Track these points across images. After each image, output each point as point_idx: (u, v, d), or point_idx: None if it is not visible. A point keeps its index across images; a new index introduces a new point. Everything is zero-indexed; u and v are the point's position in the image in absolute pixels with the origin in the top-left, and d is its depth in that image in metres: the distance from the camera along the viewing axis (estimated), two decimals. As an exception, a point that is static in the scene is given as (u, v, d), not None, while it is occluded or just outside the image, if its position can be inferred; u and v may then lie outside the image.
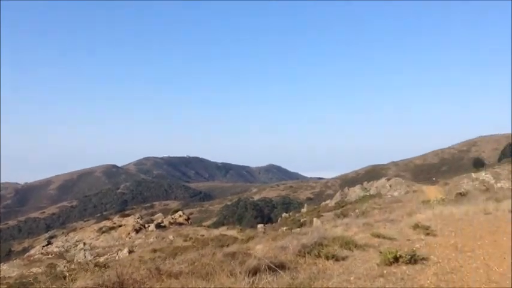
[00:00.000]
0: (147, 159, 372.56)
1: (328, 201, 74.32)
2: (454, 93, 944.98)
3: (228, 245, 25.66)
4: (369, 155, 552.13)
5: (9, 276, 28.18)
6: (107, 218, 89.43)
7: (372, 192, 67.81)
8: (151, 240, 34.08)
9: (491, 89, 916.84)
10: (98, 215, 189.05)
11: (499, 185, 49.92)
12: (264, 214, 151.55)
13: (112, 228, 38.10)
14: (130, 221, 39.93)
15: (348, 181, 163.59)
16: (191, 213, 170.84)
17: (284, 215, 72.00)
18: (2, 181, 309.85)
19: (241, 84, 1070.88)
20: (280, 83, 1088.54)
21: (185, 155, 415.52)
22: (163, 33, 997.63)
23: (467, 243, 10.23)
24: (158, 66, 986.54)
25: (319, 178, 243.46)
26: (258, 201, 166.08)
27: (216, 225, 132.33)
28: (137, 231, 37.05)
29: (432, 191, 53.98)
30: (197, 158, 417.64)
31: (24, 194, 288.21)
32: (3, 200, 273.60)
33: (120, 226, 38.52)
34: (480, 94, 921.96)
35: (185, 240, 33.03)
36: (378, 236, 10.60)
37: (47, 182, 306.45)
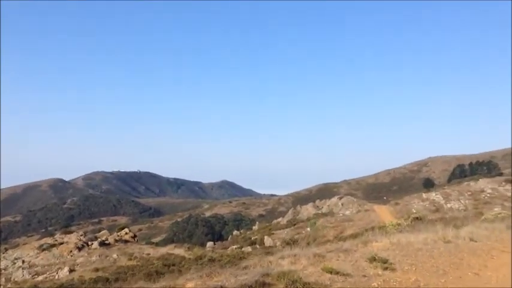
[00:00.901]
0: (96, 173, 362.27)
1: (280, 219, 74.51)
2: (407, 113, 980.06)
3: (161, 274, 25.05)
4: (322, 173, 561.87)
5: None
6: (51, 234, 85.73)
7: (324, 210, 68.62)
8: (94, 258, 32.76)
9: (443, 109, 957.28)
10: (43, 230, 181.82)
11: (448, 205, 51.55)
12: (215, 231, 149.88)
13: (53, 245, 36.37)
14: (73, 238, 38.31)
15: (301, 199, 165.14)
16: (140, 230, 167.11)
17: (235, 232, 71.60)
18: None
19: (197, 98, 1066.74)
20: (236, 100, 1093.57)
21: (136, 170, 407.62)
22: (107, 40, 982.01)
23: (430, 281, 9.38)
24: (110, 75, 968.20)
25: (272, 195, 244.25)
26: (210, 217, 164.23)
27: (165, 241, 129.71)
28: (80, 249, 35.55)
29: (383, 211, 55.17)
30: (148, 173, 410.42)
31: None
32: None
33: (61, 243, 36.85)
34: (432, 114, 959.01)
35: (129, 259, 32.00)
36: (330, 271, 9.29)
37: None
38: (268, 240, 50.31)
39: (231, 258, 25.88)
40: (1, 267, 32.86)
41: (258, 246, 50.58)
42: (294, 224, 60.04)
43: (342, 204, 67.62)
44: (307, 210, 71.59)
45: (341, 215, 59.31)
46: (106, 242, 39.28)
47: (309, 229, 50.28)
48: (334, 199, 73.53)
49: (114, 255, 33.51)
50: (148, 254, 34.02)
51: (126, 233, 44.50)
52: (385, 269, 10.04)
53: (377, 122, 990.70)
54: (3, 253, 37.03)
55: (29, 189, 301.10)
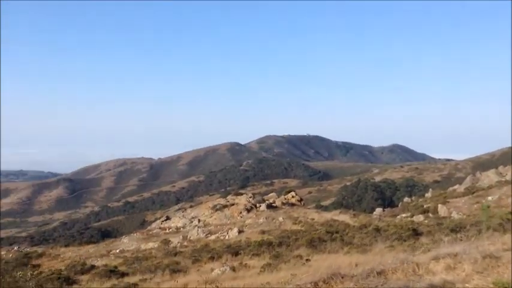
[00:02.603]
0: (268, 137, 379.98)
1: (456, 186, 68.27)
2: None
3: (323, 242, 24.22)
4: (507, 134, 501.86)
5: (127, 250, 29.83)
6: (229, 194, 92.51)
7: (508, 177, 60.78)
8: (261, 220, 33.86)
9: None
10: (223, 190, 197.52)
11: None
12: (386, 196, 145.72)
13: (225, 206, 38.74)
14: (243, 200, 40.24)
15: (481, 164, 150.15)
16: (310, 192, 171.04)
17: (406, 199, 67.74)
18: (138, 156, 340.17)
19: (368, 63, 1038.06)
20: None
21: (306, 134, 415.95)
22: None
23: None
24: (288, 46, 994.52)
25: (448, 160, 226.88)
26: (380, 182, 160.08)
27: (334, 205, 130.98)
28: (248, 210, 37.17)
29: None
30: (317, 136, 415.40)
31: (158, 169, 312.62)
32: (139, 174, 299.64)
33: (232, 205, 39.03)
34: None
35: (294, 223, 32.27)
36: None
37: (177, 158, 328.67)
38: (442, 209, 46.27)
39: (398, 229, 24.07)
40: (180, 225, 36.08)
41: (430, 215, 47.03)
42: (473, 192, 54.24)
43: (531, 171, 58.90)
44: (489, 177, 64.04)
45: (530, 183, 51.73)
46: (273, 204, 40.35)
47: (482, 218, 44.73)
48: (522, 165, 64.40)
49: (280, 218, 34.17)
50: (313, 219, 33.92)
51: (293, 197, 45.15)
52: None
53: None
54: (183, 212, 40.61)
55: (211, 152, 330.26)
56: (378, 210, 60.64)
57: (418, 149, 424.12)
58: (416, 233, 24.97)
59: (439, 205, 49.36)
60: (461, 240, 7.19)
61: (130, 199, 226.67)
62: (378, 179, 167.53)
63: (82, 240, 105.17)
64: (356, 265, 12.11)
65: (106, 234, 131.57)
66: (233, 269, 18.04)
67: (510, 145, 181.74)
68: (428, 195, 65.83)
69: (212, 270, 18.76)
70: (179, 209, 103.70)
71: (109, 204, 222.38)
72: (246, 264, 19.09)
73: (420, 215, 45.56)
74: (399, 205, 66.86)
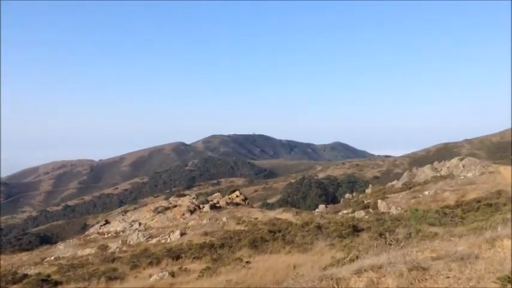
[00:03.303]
0: (214, 137, 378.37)
1: (394, 182, 70.65)
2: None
3: (266, 242, 24.13)
4: (440, 133, 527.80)
5: (62, 257, 28.46)
6: (175, 194, 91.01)
7: (443, 172, 63.55)
8: (205, 222, 33.35)
9: None
10: (168, 191, 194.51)
11: None
12: (329, 193, 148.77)
13: (167, 208, 37.86)
14: (186, 202, 39.53)
15: (418, 160, 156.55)
16: (256, 191, 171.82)
17: (347, 195, 69.36)
18: (79, 158, 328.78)
19: (307, 61, 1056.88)
20: (348, 60, 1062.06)
21: (251, 133, 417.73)
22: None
23: None
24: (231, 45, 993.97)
25: (387, 156, 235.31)
26: (323, 179, 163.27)
27: (280, 202, 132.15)
28: (191, 212, 36.53)
29: (510, 173, 49.38)
30: (263, 135, 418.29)
31: (99, 171, 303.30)
32: (79, 176, 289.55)
33: (175, 206, 38.22)
34: None
35: (238, 223, 32.01)
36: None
37: (120, 159, 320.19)
38: (382, 205, 47.65)
39: (338, 226, 24.34)
40: (119, 229, 34.89)
41: (371, 210, 48.31)
42: (410, 188, 56.29)
43: (463, 166, 61.86)
44: (424, 172, 66.79)
45: (462, 177, 54.28)
46: (217, 205, 39.91)
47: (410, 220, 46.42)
48: (455, 160, 67.53)
49: (224, 219, 33.80)
50: (256, 218, 33.80)
51: (237, 196, 44.95)
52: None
53: (502, 77, 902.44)
54: (123, 215, 39.36)
55: (155, 152, 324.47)
56: (321, 206, 61.68)
57: (359, 146, 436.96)
58: (356, 230, 25.39)
59: (379, 200, 50.77)
60: (390, 244, 6.77)
61: (70, 203, 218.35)
62: (321, 175, 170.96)
63: (20, 246, 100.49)
64: (294, 267, 11.99)
65: (45, 240, 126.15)
66: (172, 274, 17.49)
67: (444, 142, 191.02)
68: (368, 191, 67.74)
69: (150, 276, 18.13)
70: (122, 212, 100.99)
71: (48, 209, 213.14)
72: (186, 268, 18.55)
73: (361, 211, 46.66)
74: (341, 201, 68.35)
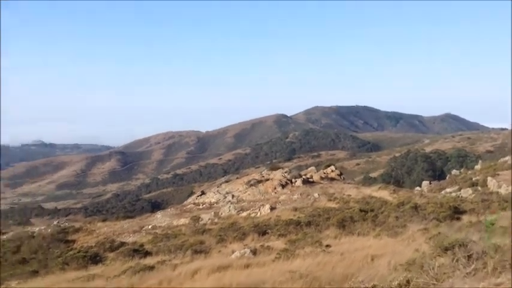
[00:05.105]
0: (315, 108, 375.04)
1: (507, 158, 64.33)
2: None
3: (355, 222, 22.72)
4: None
5: (159, 226, 29.59)
6: (277, 166, 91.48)
7: None
8: (296, 197, 32.73)
9: None
10: (268, 162, 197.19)
11: None
12: (436, 168, 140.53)
13: (260, 181, 37.80)
14: (278, 175, 39.13)
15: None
16: (358, 164, 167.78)
17: (454, 171, 64.45)
18: (187, 129, 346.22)
19: (418, 29, 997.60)
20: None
21: (354, 104, 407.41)
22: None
23: None
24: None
25: (502, 129, 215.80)
26: (430, 153, 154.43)
27: (383, 177, 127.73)
28: (283, 186, 36.08)
29: None
30: (366, 107, 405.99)
31: (205, 142, 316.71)
32: (187, 147, 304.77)
33: (267, 180, 38.03)
34: None
35: (329, 200, 30.92)
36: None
37: (224, 131, 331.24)
38: (491, 183, 43.48)
39: (437, 208, 22.27)
40: (213, 200, 35.55)
41: (479, 188, 44.35)
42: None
43: None
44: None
45: None
46: (310, 179, 39.03)
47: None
48: None
49: (315, 195, 32.90)
50: (350, 195, 32.41)
51: (332, 171, 43.68)
52: None
53: None
54: (218, 187, 40.06)
55: (257, 124, 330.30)
56: (425, 183, 58.07)
57: (471, 118, 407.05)
58: (457, 212, 23.13)
59: (489, 178, 46.39)
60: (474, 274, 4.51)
61: (178, 171, 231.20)
62: (428, 149, 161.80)
63: (133, 211, 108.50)
64: (372, 258, 10.82)
65: (156, 206, 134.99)
66: (254, 251, 17.08)
67: None
68: (478, 167, 62.23)
69: (233, 252, 17.90)
70: (225, 182, 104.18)
71: (159, 176, 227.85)
72: (268, 246, 18.07)
73: (468, 189, 43.01)
74: (447, 177, 63.81)
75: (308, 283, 7.89)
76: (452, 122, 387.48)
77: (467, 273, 4.36)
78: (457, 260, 4.52)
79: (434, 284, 4.43)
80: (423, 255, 5.94)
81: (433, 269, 4.57)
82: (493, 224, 5.04)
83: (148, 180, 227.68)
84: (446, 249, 4.74)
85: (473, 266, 4.39)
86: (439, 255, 4.89)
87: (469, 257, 4.53)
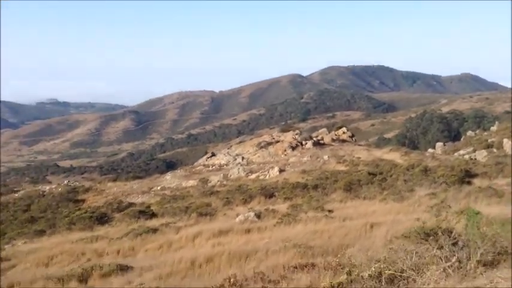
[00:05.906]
0: (331, 68, 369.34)
1: (526, 119, 62.83)
2: None
3: (363, 186, 22.35)
4: None
5: (168, 187, 29.69)
6: (289, 127, 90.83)
7: None
8: (305, 159, 32.45)
9: None
10: (283, 123, 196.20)
11: None
12: (452, 128, 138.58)
13: (270, 144, 37.51)
14: (288, 138, 38.73)
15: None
16: (373, 125, 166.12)
17: (469, 133, 63.29)
18: (200, 89, 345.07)
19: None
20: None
21: (370, 64, 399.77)
22: None
23: None
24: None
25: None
26: (447, 113, 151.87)
27: (398, 137, 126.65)
28: (293, 148, 35.76)
29: None
30: (382, 66, 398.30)
31: (219, 102, 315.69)
32: (201, 107, 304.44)
33: (278, 142, 37.71)
34: None
35: (338, 162, 30.58)
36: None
37: (238, 91, 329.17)
38: (507, 145, 42.58)
39: (447, 172, 21.82)
40: (223, 162, 35.46)
41: (495, 150, 43.51)
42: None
43: None
44: None
45: None
46: (321, 141, 38.61)
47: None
48: None
49: (325, 157, 32.57)
50: (359, 157, 31.99)
51: (344, 133, 43.16)
52: None
53: None
54: (228, 149, 39.92)
55: (272, 84, 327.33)
56: (438, 144, 57.19)
57: (490, 77, 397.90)
58: (469, 175, 22.65)
59: (505, 140, 45.41)
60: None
61: (193, 131, 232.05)
62: (445, 110, 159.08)
63: (148, 171, 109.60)
64: (371, 226, 10.54)
65: (171, 165, 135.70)
66: (258, 215, 16.96)
67: None
68: (494, 128, 60.97)
69: (237, 215, 17.80)
70: (240, 142, 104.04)
71: (173, 136, 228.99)
72: (273, 210, 17.93)
73: (483, 151, 42.26)
74: (462, 139, 62.76)
75: (300, 253, 7.65)
76: (471, 82, 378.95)
77: (449, 266, 3.99)
78: (440, 248, 4.14)
79: (409, 277, 4.06)
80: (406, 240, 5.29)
81: (411, 258, 4.16)
82: (477, 213, 4.56)
83: (162, 140, 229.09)
84: (428, 236, 4.34)
85: (456, 257, 3.99)
86: (423, 240, 4.44)
87: (454, 244, 4.13)
